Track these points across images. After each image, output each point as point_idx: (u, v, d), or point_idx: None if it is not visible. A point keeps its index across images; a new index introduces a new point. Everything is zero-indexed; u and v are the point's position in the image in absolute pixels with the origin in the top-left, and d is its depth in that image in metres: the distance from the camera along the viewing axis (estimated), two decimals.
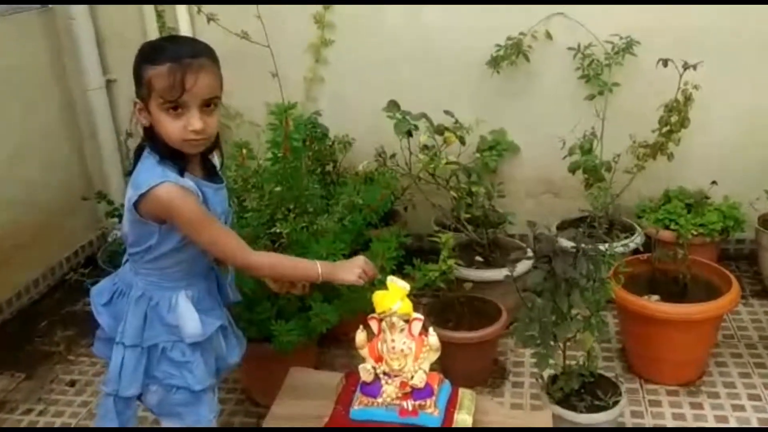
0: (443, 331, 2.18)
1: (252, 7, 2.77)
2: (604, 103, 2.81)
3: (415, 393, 1.51)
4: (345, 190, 2.26)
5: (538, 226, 1.90)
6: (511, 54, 2.82)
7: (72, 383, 2.49)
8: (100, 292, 1.59)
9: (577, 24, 2.79)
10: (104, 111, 3.22)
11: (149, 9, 3.04)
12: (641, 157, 2.78)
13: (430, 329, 1.51)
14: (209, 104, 1.41)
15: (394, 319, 1.48)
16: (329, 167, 2.92)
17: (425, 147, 2.50)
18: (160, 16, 3.05)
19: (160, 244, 1.46)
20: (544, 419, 1.69)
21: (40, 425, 2.30)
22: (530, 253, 1.95)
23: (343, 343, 2.53)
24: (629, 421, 2.15)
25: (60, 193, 3.19)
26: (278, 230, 2.01)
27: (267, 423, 1.64)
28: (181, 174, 1.42)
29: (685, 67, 2.60)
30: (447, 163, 2.51)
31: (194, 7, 2.95)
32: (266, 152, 2.04)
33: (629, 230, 2.80)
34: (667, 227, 2.77)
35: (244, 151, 2.14)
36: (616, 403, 1.94)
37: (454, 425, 1.53)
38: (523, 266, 2.27)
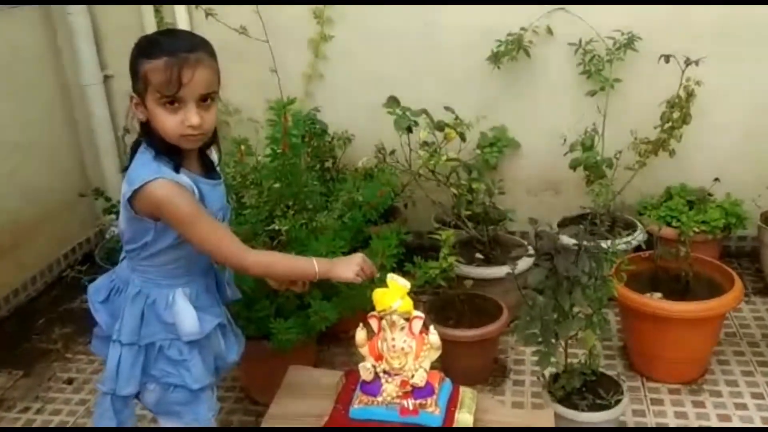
0: (444, 329, 2.16)
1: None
2: (606, 99, 2.79)
3: (416, 392, 1.50)
4: (344, 186, 2.24)
5: (539, 224, 1.88)
6: (511, 49, 2.80)
7: (70, 381, 2.48)
8: (97, 289, 1.58)
9: (579, 19, 2.77)
10: (101, 107, 3.20)
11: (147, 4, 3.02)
12: (643, 154, 2.76)
13: (431, 327, 1.50)
14: (206, 99, 1.39)
15: (395, 317, 1.47)
16: (328, 164, 2.90)
17: (425, 143, 2.49)
18: (157, 11, 3.03)
19: (156, 241, 1.44)
20: (545, 418, 1.68)
21: (37, 423, 2.28)
22: (531, 251, 1.93)
23: (342, 341, 2.52)
24: (631, 420, 2.13)
25: (57, 190, 3.17)
26: (277, 227, 2.00)
27: (266, 422, 1.63)
28: (177, 170, 1.40)
29: (687, 62, 2.58)
30: (447, 160, 2.49)
31: None
32: (265, 148, 2.02)
33: (631, 227, 2.78)
34: (668, 224, 2.76)
35: (243, 147, 2.12)
36: (618, 401, 1.92)
37: (455, 424, 1.51)
38: (524, 264, 2.26)
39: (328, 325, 2.04)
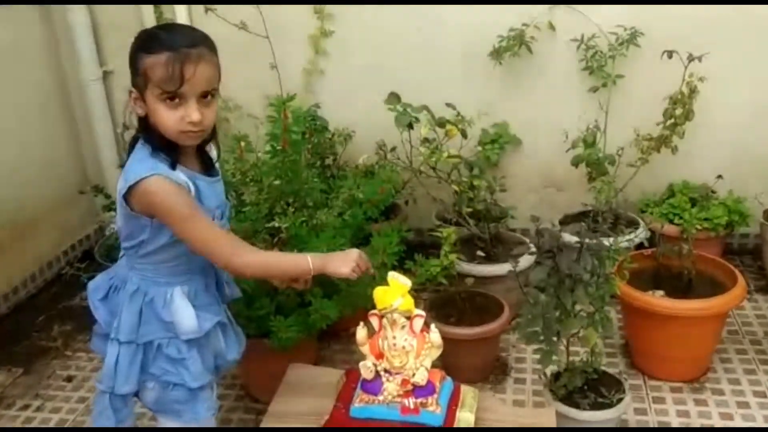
0: (445, 327, 2.15)
1: None
2: (608, 95, 2.78)
3: (417, 390, 1.49)
4: (345, 183, 2.23)
5: (541, 221, 1.87)
6: (513, 45, 2.78)
7: (69, 379, 2.47)
8: (96, 287, 1.56)
9: (581, 15, 2.75)
10: (101, 103, 3.19)
11: None
12: (645, 150, 2.75)
13: (432, 326, 1.49)
14: (207, 95, 1.37)
15: (396, 315, 1.46)
16: (329, 160, 2.89)
17: (426, 140, 2.47)
18: (157, 6, 3.01)
19: (153, 239, 1.43)
20: (547, 417, 1.67)
21: (36, 421, 2.28)
22: (533, 248, 1.92)
23: (342, 339, 2.51)
24: (632, 418, 2.12)
25: (56, 187, 3.16)
26: (277, 225, 1.99)
27: (266, 421, 1.62)
28: (174, 166, 1.39)
29: (690, 59, 2.57)
30: (448, 157, 2.48)
31: None
32: (265, 145, 2.01)
33: (633, 225, 2.77)
34: (671, 221, 2.74)
35: (243, 144, 2.11)
36: (619, 400, 1.91)
37: (456, 423, 1.50)
38: (525, 261, 2.24)
39: (328, 323, 2.03)
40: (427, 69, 2.92)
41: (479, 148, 2.90)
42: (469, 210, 2.61)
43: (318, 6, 2.93)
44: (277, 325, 1.96)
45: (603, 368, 2.00)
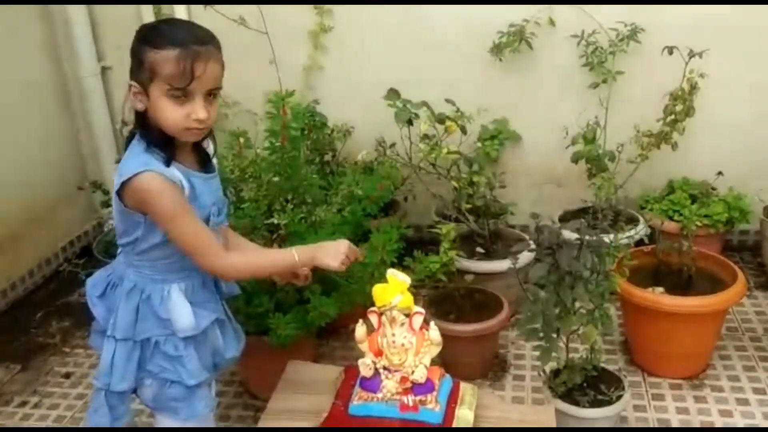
0: (444, 324, 2.15)
1: None
2: (608, 91, 2.77)
3: (416, 388, 1.49)
4: (344, 180, 2.22)
5: (540, 218, 1.86)
6: (513, 41, 2.77)
7: (67, 375, 2.47)
8: (94, 284, 1.56)
9: (581, 10, 2.74)
10: (99, 98, 3.18)
11: None
12: (645, 147, 2.74)
13: (431, 323, 1.48)
14: (212, 93, 1.38)
15: (395, 313, 1.46)
16: (328, 157, 2.88)
17: (426, 136, 2.46)
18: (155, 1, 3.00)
19: (146, 237, 1.42)
20: (546, 414, 1.66)
21: (35, 417, 2.27)
22: (532, 245, 1.92)
23: (341, 335, 2.51)
24: (632, 415, 2.12)
25: (55, 183, 3.15)
26: (276, 221, 1.98)
27: (264, 418, 1.62)
28: (168, 163, 1.38)
29: (691, 55, 2.56)
30: (448, 153, 2.47)
31: None
32: (264, 141, 2.00)
33: (633, 221, 2.76)
34: (670, 218, 2.74)
35: (242, 140, 2.09)
36: (619, 397, 1.91)
37: (455, 420, 1.50)
38: (525, 258, 2.23)
39: (327, 321, 2.02)
40: (427, 65, 2.91)
41: (479, 145, 2.89)
42: (469, 206, 2.60)
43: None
44: (276, 323, 1.95)
45: (602, 365, 2.00)
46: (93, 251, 2.89)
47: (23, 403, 2.33)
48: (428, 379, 1.49)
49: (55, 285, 3.05)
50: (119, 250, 1.54)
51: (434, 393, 1.50)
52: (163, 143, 1.38)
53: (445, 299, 2.37)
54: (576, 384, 1.92)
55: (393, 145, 2.60)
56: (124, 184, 1.36)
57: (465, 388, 1.60)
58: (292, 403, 1.64)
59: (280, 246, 1.96)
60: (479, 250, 2.56)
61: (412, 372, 1.47)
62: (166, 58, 1.31)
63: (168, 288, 1.46)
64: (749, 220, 2.79)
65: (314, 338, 2.31)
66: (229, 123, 3.01)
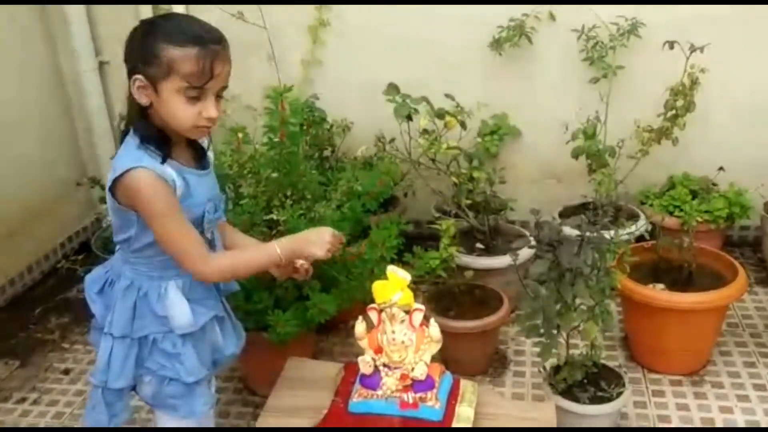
0: (444, 320, 2.15)
1: None
2: (609, 86, 2.75)
3: (416, 385, 1.48)
4: (343, 175, 2.21)
5: (541, 214, 1.85)
6: (513, 36, 2.76)
7: (66, 371, 2.46)
8: (93, 280, 1.55)
9: (582, 5, 2.72)
10: (97, 94, 3.15)
11: None
12: (645, 142, 2.73)
13: (431, 320, 1.48)
14: (221, 92, 1.38)
15: (395, 310, 1.45)
16: (327, 152, 2.87)
17: (425, 131, 2.45)
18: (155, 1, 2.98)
19: (140, 236, 1.41)
20: (546, 411, 1.66)
21: (34, 414, 2.26)
22: (532, 241, 1.91)
23: (341, 331, 2.51)
24: (632, 412, 2.12)
25: (53, 179, 3.13)
26: (275, 217, 1.97)
27: (264, 415, 1.61)
28: (164, 160, 1.37)
29: (692, 49, 2.55)
30: (448, 148, 2.46)
31: None
32: (263, 137, 1.99)
33: (633, 217, 2.75)
34: (671, 214, 2.73)
35: (240, 135, 2.08)
36: (619, 394, 1.90)
37: (455, 418, 1.49)
38: (525, 254, 2.23)
39: (326, 318, 2.01)
40: (427, 60, 2.90)
41: (479, 140, 2.88)
42: (469, 202, 2.60)
43: None
44: (276, 320, 1.95)
45: (603, 362, 1.99)
46: (91, 247, 2.88)
47: (22, 400, 2.33)
48: (428, 376, 1.48)
49: (54, 281, 3.04)
50: (117, 246, 1.53)
51: (434, 390, 1.49)
52: (160, 140, 1.37)
53: (445, 295, 2.37)
54: (576, 380, 1.92)
55: (392, 140, 2.59)
56: (116, 181, 1.35)
57: (465, 385, 1.60)
58: (292, 399, 1.63)
59: None
60: (479, 246, 2.56)
61: (412, 369, 1.46)
62: (186, 56, 1.30)
63: (165, 285, 1.45)
64: (750, 216, 2.79)
65: (314, 334, 2.30)
66: (228, 118, 2.99)
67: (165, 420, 1.54)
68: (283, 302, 2.02)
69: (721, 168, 2.76)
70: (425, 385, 1.48)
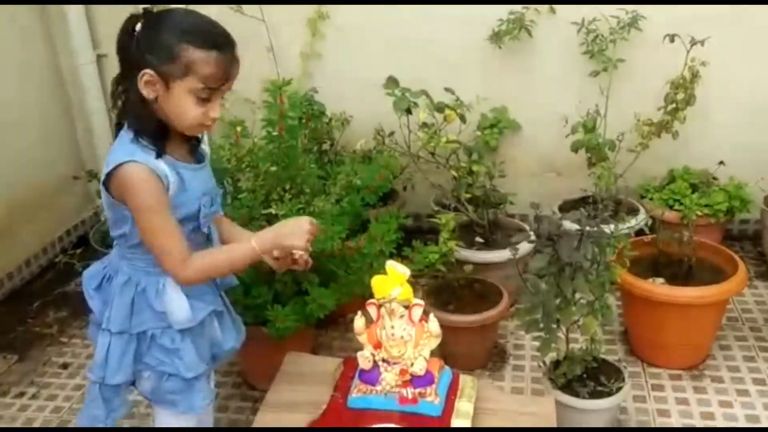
0: (444, 315, 2.14)
1: None
2: (609, 79, 2.74)
3: (415, 380, 1.47)
4: (342, 169, 2.20)
5: (540, 208, 1.84)
6: (513, 29, 2.74)
7: (65, 366, 2.46)
8: (91, 275, 1.54)
9: (582, 5, 2.70)
10: (95, 87, 3.14)
11: None
12: (646, 136, 2.72)
13: (431, 315, 1.47)
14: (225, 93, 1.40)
15: (394, 305, 1.44)
16: (326, 146, 2.86)
17: (425, 125, 2.44)
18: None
19: (135, 231, 1.39)
20: (546, 405, 1.65)
21: (32, 409, 2.26)
22: (532, 235, 1.90)
23: (340, 326, 2.50)
24: (631, 406, 2.12)
25: (51, 172, 3.12)
26: (274, 211, 1.96)
27: (262, 411, 1.60)
28: (158, 155, 1.36)
29: (693, 42, 2.54)
30: (447, 142, 2.46)
31: None
32: (261, 130, 1.98)
33: (633, 211, 2.75)
34: (671, 207, 2.72)
35: (239, 129, 2.07)
36: (619, 389, 1.90)
37: (455, 413, 1.49)
38: (524, 248, 2.22)
39: (325, 313, 2.01)
40: (426, 53, 2.88)
41: (478, 133, 2.86)
42: (468, 196, 2.59)
43: None
44: (275, 314, 1.94)
45: (602, 356, 1.99)
46: (90, 241, 2.87)
47: (21, 394, 2.32)
48: (428, 372, 1.47)
49: (52, 275, 3.03)
50: (114, 242, 1.52)
51: (434, 385, 1.49)
52: (158, 135, 1.36)
53: (444, 290, 2.36)
54: (576, 375, 1.92)
55: (392, 134, 2.57)
56: (109, 175, 1.34)
57: (465, 380, 1.59)
58: (291, 394, 1.63)
59: None
60: (478, 239, 2.55)
61: (412, 364, 1.46)
62: (208, 60, 1.31)
63: (163, 281, 1.44)
64: (750, 210, 2.78)
65: (313, 329, 2.30)
66: (226, 112, 2.98)
67: (164, 415, 1.54)
68: (282, 297, 2.01)
69: (721, 162, 2.75)
70: (424, 380, 1.47)
